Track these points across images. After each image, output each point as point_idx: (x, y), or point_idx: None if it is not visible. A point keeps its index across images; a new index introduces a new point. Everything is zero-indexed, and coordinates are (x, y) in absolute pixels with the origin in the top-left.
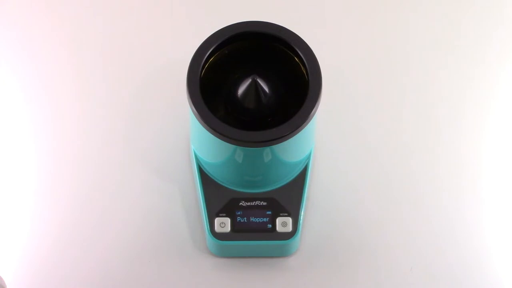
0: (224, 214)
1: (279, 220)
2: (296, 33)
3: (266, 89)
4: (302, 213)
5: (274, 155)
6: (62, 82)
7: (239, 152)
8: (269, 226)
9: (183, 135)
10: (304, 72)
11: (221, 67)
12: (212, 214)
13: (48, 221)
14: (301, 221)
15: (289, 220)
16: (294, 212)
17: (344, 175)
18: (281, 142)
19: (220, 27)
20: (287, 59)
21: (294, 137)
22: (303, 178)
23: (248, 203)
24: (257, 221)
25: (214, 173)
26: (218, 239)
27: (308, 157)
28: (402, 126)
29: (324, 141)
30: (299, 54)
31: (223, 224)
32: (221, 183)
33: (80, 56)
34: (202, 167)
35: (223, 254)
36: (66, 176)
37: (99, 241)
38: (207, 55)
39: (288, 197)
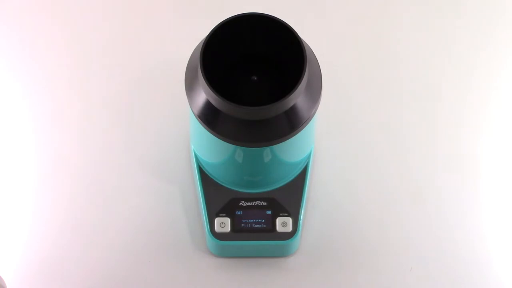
0: (224, 214)
1: (279, 220)
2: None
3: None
4: (302, 213)
5: (274, 155)
6: (61, 82)
7: (239, 152)
8: (269, 226)
9: (183, 135)
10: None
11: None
12: (212, 214)
13: (48, 221)
14: (301, 221)
15: (289, 220)
16: (294, 212)
17: (344, 175)
18: (281, 142)
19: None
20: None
21: (294, 137)
22: (303, 178)
23: (248, 203)
24: (257, 221)
25: (214, 173)
26: (218, 239)
27: (308, 157)
28: (402, 126)
29: (324, 141)
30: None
31: (223, 224)
32: (221, 183)
33: (79, 55)
34: (202, 167)
35: (223, 254)
36: (66, 176)
37: (99, 241)
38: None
39: (288, 197)
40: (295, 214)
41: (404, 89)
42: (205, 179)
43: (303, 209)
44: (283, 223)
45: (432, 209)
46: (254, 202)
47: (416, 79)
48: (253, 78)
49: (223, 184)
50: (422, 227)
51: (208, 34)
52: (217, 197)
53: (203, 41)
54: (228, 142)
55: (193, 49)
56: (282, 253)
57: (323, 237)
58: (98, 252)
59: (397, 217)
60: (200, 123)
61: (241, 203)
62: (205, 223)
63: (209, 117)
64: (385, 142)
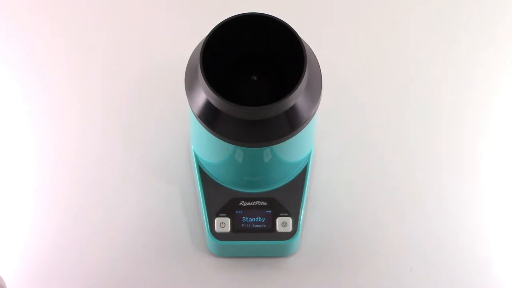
0: (224, 214)
1: (279, 220)
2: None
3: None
4: (302, 213)
5: (274, 155)
6: (61, 82)
7: (239, 152)
8: (269, 226)
9: (183, 135)
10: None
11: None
12: (212, 214)
13: (48, 221)
14: (301, 221)
15: (289, 220)
16: (294, 212)
17: (344, 175)
18: (281, 142)
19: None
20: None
21: (294, 137)
22: (303, 178)
23: (248, 203)
24: (257, 221)
25: (214, 173)
26: (218, 239)
27: (308, 157)
28: (403, 126)
29: (324, 141)
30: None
31: (223, 224)
32: (221, 183)
33: (79, 55)
34: (202, 167)
35: (223, 254)
36: (66, 176)
37: (99, 241)
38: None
39: (288, 197)
40: (295, 214)
41: (404, 89)
42: (205, 179)
43: (303, 209)
44: (283, 223)
45: (432, 209)
46: (254, 202)
47: (416, 79)
48: (253, 78)
49: (223, 184)
50: (422, 227)
51: (208, 34)
52: (217, 197)
53: (203, 41)
54: (228, 142)
55: (193, 49)
56: (282, 253)
57: (323, 237)
58: (98, 252)
59: (397, 217)
60: (200, 123)
61: (241, 203)
62: (205, 223)
63: (209, 117)
64: (385, 142)
